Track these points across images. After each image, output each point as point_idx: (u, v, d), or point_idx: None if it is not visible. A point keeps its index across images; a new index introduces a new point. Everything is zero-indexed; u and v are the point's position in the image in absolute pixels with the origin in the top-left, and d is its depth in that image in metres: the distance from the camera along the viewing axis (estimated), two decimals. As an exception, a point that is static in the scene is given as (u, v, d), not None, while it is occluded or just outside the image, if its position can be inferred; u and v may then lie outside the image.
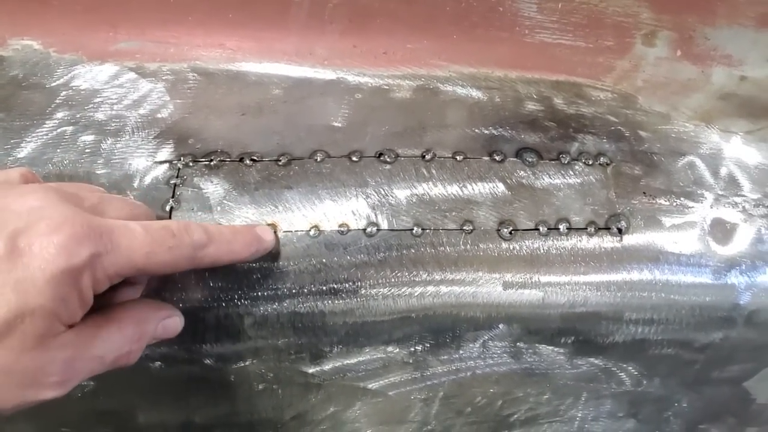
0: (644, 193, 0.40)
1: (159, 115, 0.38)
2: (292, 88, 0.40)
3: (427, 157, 0.38)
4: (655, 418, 0.48)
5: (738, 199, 0.41)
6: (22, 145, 0.37)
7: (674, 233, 0.39)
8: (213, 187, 0.35)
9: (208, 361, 0.36)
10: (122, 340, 0.27)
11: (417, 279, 0.36)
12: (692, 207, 0.40)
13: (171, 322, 0.31)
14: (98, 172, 0.36)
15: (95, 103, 0.38)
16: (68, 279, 0.23)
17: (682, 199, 0.40)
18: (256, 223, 0.34)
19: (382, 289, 0.35)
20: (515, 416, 0.45)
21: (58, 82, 0.39)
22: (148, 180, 0.36)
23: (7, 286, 0.22)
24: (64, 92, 0.39)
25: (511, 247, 0.37)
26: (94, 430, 0.38)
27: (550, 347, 0.40)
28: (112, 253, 0.25)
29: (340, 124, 0.39)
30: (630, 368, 0.43)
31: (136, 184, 0.36)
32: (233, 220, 0.35)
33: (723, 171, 0.42)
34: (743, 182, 0.42)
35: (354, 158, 0.37)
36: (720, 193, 0.41)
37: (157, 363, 0.36)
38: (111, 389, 0.37)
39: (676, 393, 0.47)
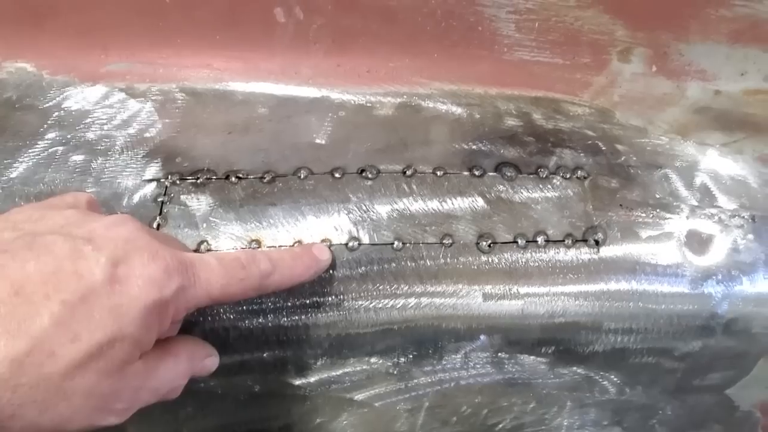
0: (621, 205, 0.41)
1: (147, 135, 0.40)
2: (278, 106, 0.42)
3: (408, 172, 0.39)
4: (640, 425, 0.49)
5: (713, 210, 0.42)
6: (15, 165, 0.38)
7: (651, 244, 0.40)
8: (199, 204, 0.36)
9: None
10: (176, 374, 0.28)
11: (398, 292, 0.37)
12: (668, 218, 0.41)
13: (210, 362, 0.31)
14: (88, 190, 0.37)
15: (86, 123, 0.40)
16: (157, 310, 0.25)
17: (658, 210, 0.41)
18: (311, 243, 0.35)
19: (364, 302, 0.36)
20: (501, 425, 0.45)
21: (50, 104, 0.41)
22: (136, 198, 0.37)
23: (106, 311, 0.23)
24: (56, 113, 0.40)
25: (490, 259, 0.38)
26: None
27: (531, 357, 0.41)
28: (195, 286, 0.26)
29: (323, 142, 0.40)
30: (612, 377, 0.44)
31: (124, 203, 0.37)
32: (218, 236, 0.36)
33: (698, 183, 0.43)
34: (718, 194, 0.43)
35: (337, 175, 0.38)
36: (695, 204, 0.42)
37: (146, 376, 0.37)
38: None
39: (660, 401, 0.47)
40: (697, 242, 0.41)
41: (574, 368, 0.42)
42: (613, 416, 0.47)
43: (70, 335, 0.22)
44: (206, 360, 0.31)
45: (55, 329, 0.22)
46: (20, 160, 0.38)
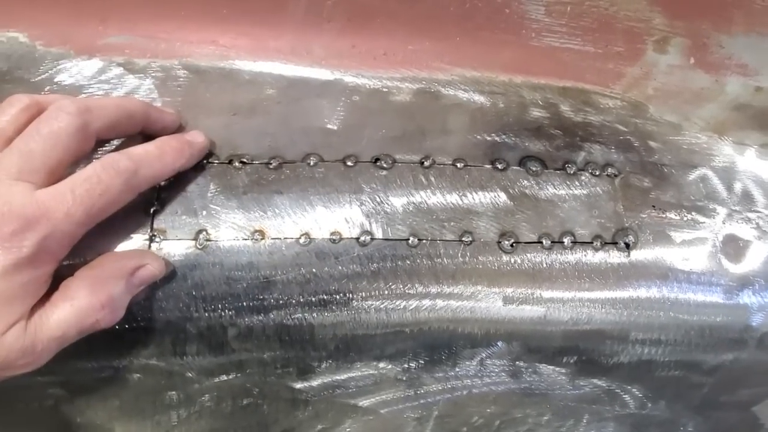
0: (653, 206, 0.38)
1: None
2: (287, 88, 0.39)
3: (426, 163, 0.36)
4: (659, 441, 0.46)
5: (752, 215, 0.39)
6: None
7: (684, 249, 0.37)
8: (199, 190, 0.34)
9: (189, 374, 0.34)
10: (78, 316, 0.27)
11: (412, 292, 0.34)
12: (703, 222, 0.38)
13: (144, 273, 0.30)
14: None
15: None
16: (21, 270, 0.25)
17: (693, 213, 0.38)
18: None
19: (374, 302, 0.34)
20: (513, 437, 0.43)
21: (42, 77, 0.38)
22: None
23: None
24: (48, 87, 0.37)
25: (513, 260, 0.35)
26: (68, 444, 0.36)
27: (551, 367, 0.38)
28: (56, 229, 0.26)
29: (335, 127, 0.37)
30: (634, 390, 0.41)
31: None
32: (219, 225, 0.33)
33: (736, 185, 0.40)
34: (757, 197, 0.40)
35: (349, 163, 0.35)
36: (733, 208, 0.39)
37: (136, 375, 0.34)
38: (88, 400, 0.35)
39: (682, 417, 0.44)
40: (734, 249, 0.39)
41: (596, 380, 0.39)
42: (631, 430, 0.45)
43: None
44: (139, 273, 0.30)
45: None
46: (7, 136, 0.35)
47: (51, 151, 0.28)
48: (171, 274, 0.32)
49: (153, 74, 0.39)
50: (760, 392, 0.44)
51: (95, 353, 0.33)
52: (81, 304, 0.28)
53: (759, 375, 0.42)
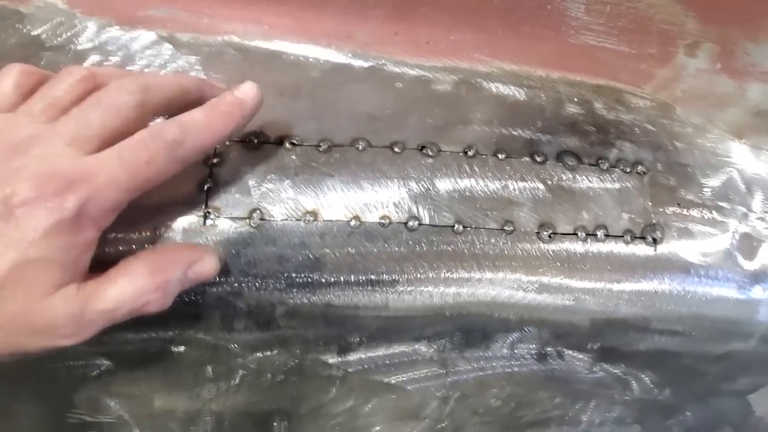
0: (678, 204, 0.40)
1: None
2: (331, 71, 0.39)
3: (470, 153, 0.37)
4: (659, 426, 0.49)
5: (766, 216, 0.42)
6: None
7: (705, 246, 0.40)
8: (252, 169, 0.34)
9: (234, 349, 0.35)
10: (134, 294, 0.27)
11: (455, 277, 0.35)
12: (722, 221, 0.41)
13: (201, 267, 0.30)
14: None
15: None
16: (63, 230, 0.25)
17: (713, 212, 0.40)
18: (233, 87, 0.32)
19: (418, 285, 0.35)
20: (526, 418, 0.45)
21: (86, 46, 0.37)
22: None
23: (5, 245, 0.24)
24: (92, 56, 0.37)
25: (550, 250, 0.36)
26: (107, 413, 0.37)
27: (575, 352, 0.40)
28: (98, 192, 0.25)
29: (379, 113, 0.38)
30: (645, 377, 0.43)
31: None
32: (272, 204, 0.33)
33: (753, 187, 0.42)
34: (771, 200, 0.42)
35: (396, 149, 0.36)
36: (750, 208, 0.41)
37: (182, 347, 0.35)
38: (131, 371, 0.35)
39: (684, 403, 0.47)
40: (748, 247, 0.41)
41: (613, 366, 0.42)
42: (636, 415, 0.47)
43: None
44: (195, 266, 0.30)
45: None
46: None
47: (108, 123, 0.27)
48: (225, 251, 0.32)
49: (197, 50, 0.39)
50: (756, 382, 0.47)
51: (145, 325, 0.33)
52: (138, 283, 0.28)
53: (758, 366, 0.45)
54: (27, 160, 0.25)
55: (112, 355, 0.34)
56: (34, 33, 0.38)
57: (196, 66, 0.38)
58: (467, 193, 0.36)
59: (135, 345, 0.34)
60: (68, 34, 0.38)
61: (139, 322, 0.33)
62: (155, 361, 0.35)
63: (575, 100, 0.41)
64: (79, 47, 0.38)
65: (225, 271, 0.33)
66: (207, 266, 0.30)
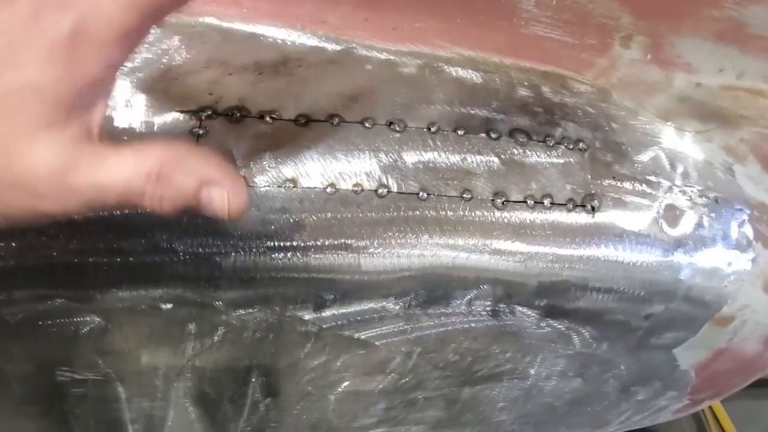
0: (614, 177, 0.45)
1: (175, 65, 0.39)
2: (306, 53, 0.42)
3: (433, 129, 0.41)
4: (597, 378, 0.55)
5: (687, 189, 0.48)
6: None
7: (635, 214, 0.45)
8: (235, 141, 0.37)
9: (218, 306, 0.38)
10: (135, 173, 0.23)
11: (420, 240, 0.39)
12: (650, 193, 0.46)
13: (216, 195, 0.25)
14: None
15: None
16: (57, 55, 0.21)
17: (643, 185, 0.46)
18: None
19: (388, 247, 0.39)
20: (481, 372, 0.50)
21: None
22: (169, 129, 0.37)
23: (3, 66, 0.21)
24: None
25: (503, 216, 0.41)
26: (95, 371, 0.39)
27: (525, 309, 0.45)
28: (96, 8, 0.21)
29: (351, 92, 0.41)
30: (586, 332, 0.49)
31: (156, 131, 0.37)
32: (255, 173, 0.37)
33: (676, 164, 0.48)
34: (692, 174, 0.48)
35: (367, 125, 0.40)
36: (673, 182, 0.47)
37: (169, 304, 0.37)
38: (121, 328, 0.38)
39: (619, 356, 0.53)
40: (672, 216, 0.47)
41: (558, 321, 0.47)
42: (578, 368, 0.53)
43: None
44: (211, 189, 0.25)
45: None
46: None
47: None
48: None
49: (180, 30, 0.41)
50: (679, 337, 0.54)
51: (135, 283, 0.36)
52: (144, 161, 0.23)
53: (682, 322, 0.52)
54: None
55: (103, 311, 0.37)
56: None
57: (179, 46, 0.40)
58: (431, 165, 0.40)
59: (126, 302, 0.37)
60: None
61: (130, 279, 0.36)
62: (144, 318, 0.38)
63: (525, 84, 0.46)
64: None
65: (212, 232, 0.36)
66: (219, 198, 0.25)
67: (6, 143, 0.21)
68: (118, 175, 0.23)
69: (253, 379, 0.44)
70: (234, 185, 0.25)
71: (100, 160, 0.23)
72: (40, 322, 0.37)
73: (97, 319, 0.37)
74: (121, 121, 0.37)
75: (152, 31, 0.40)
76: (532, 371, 0.51)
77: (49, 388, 0.41)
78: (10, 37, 0.21)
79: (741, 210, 0.51)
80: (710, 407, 1.30)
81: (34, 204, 0.22)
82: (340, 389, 0.46)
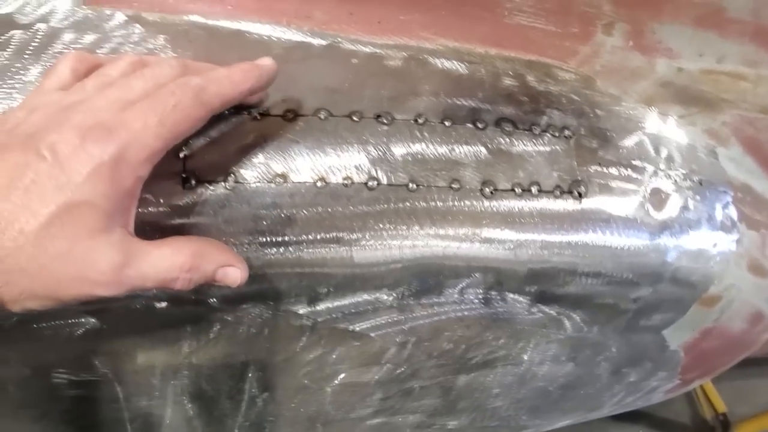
0: (599, 163, 0.46)
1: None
2: (292, 49, 0.42)
3: (420, 121, 0.41)
4: (589, 362, 0.56)
5: (672, 173, 0.49)
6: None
7: (621, 199, 0.46)
8: (224, 137, 0.37)
9: (213, 303, 0.39)
10: (171, 265, 0.30)
11: (411, 231, 0.40)
12: (636, 178, 0.47)
13: (231, 271, 0.33)
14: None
15: (101, 52, 0.39)
16: (103, 174, 0.27)
17: (628, 170, 0.47)
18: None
19: (379, 239, 0.39)
20: (475, 359, 0.50)
21: (58, 25, 0.39)
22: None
23: (53, 188, 0.26)
24: (65, 35, 0.39)
25: (492, 204, 0.42)
26: (91, 372, 0.40)
27: (516, 295, 0.45)
28: (135, 138, 0.28)
29: (338, 86, 0.42)
30: (576, 316, 0.50)
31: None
32: (246, 168, 0.37)
33: (661, 148, 0.49)
34: (676, 158, 0.49)
35: (355, 118, 0.40)
36: (658, 166, 0.48)
37: (164, 303, 0.38)
38: (117, 328, 0.38)
39: (609, 339, 0.54)
40: (657, 199, 0.48)
41: (548, 307, 0.48)
42: (570, 353, 0.54)
43: (30, 213, 0.26)
44: (226, 268, 0.32)
45: (17, 209, 0.26)
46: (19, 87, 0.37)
47: (149, 90, 0.30)
48: (204, 211, 0.36)
49: (165, 29, 0.41)
50: (668, 318, 0.55)
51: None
52: (180, 258, 0.30)
53: (669, 303, 0.53)
54: (73, 114, 0.28)
55: (98, 312, 0.37)
56: (3, 12, 0.39)
57: (165, 46, 0.41)
58: (419, 156, 0.40)
59: (121, 302, 0.37)
60: (38, 12, 0.40)
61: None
62: (139, 318, 0.38)
63: (510, 73, 0.46)
64: (52, 25, 0.39)
65: (204, 229, 0.36)
66: (233, 274, 0.33)
67: (71, 247, 0.27)
68: (159, 267, 0.30)
69: (250, 375, 0.44)
70: (241, 263, 0.33)
71: (146, 255, 0.29)
72: (34, 325, 0.37)
73: (92, 320, 0.37)
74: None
75: (137, 30, 0.41)
76: (525, 357, 0.52)
77: (46, 391, 0.41)
78: (60, 159, 0.26)
79: (725, 192, 0.52)
80: (701, 387, 1.32)
81: (92, 291, 0.28)
82: (336, 381, 0.47)
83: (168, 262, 0.30)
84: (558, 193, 0.43)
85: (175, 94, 0.30)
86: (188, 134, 0.31)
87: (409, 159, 0.40)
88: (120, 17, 0.40)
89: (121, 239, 0.28)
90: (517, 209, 0.42)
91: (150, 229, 0.34)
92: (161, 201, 0.35)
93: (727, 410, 1.29)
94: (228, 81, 0.32)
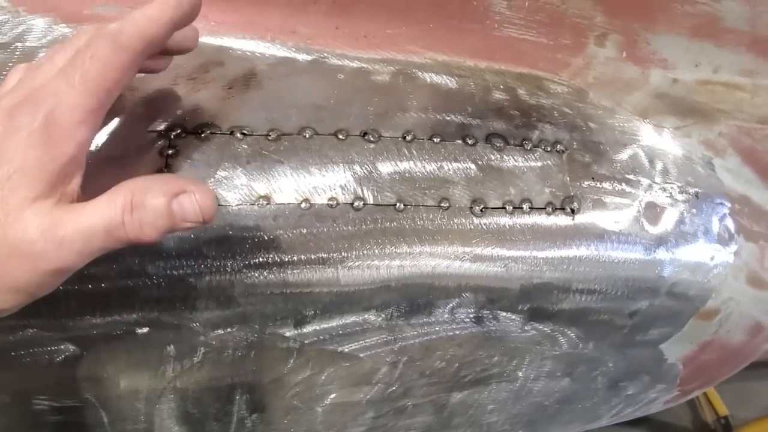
0: (593, 178, 0.45)
1: (143, 86, 0.38)
2: (277, 65, 0.42)
3: (408, 138, 0.41)
4: (585, 377, 0.55)
5: (667, 186, 0.48)
6: None
7: (616, 214, 0.45)
8: (205, 158, 0.36)
9: (196, 328, 0.38)
10: (109, 210, 0.27)
11: (398, 251, 0.39)
12: (630, 192, 0.46)
13: (185, 200, 0.28)
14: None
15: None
16: (34, 141, 0.26)
17: (622, 184, 0.46)
18: None
19: (366, 260, 0.38)
20: (468, 377, 0.49)
21: (34, 44, 0.38)
22: (138, 149, 0.36)
23: None
24: (41, 54, 0.38)
25: (482, 223, 0.41)
26: (74, 398, 0.39)
27: (508, 314, 0.45)
28: (60, 101, 0.27)
29: (324, 103, 0.41)
30: (571, 333, 0.49)
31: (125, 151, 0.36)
32: (227, 191, 0.36)
33: (656, 161, 0.48)
34: (672, 171, 0.48)
35: (341, 136, 0.39)
36: (653, 179, 0.47)
37: (145, 328, 0.37)
38: (97, 354, 0.37)
39: (606, 355, 0.53)
40: (653, 213, 0.47)
41: (542, 324, 0.47)
42: (565, 368, 0.53)
43: None
44: (181, 198, 0.28)
45: None
46: None
47: None
48: (185, 235, 0.35)
49: (146, 46, 0.40)
50: (665, 332, 0.54)
51: (109, 309, 0.35)
52: (116, 198, 0.27)
53: (666, 318, 0.52)
54: (2, 101, 0.27)
55: (77, 339, 0.36)
56: (-22, 32, 0.38)
57: (145, 61, 0.40)
58: (407, 175, 0.40)
59: (100, 328, 0.36)
60: (15, 32, 0.39)
61: (104, 305, 0.35)
62: (120, 343, 0.37)
63: (501, 87, 0.45)
64: (28, 45, 0.38)
65: (185, 253, 0.35)
66: (190, 204, 0.28)
67: (1, 225, 0.25)
68: (96, 214, 0.27)
69: (237, 397, 0.43)
70: (199, 189, 0.29)
71: (80, 210, 0.27)
72: (12, 353, 0.36)
73: (72, 347, 0.36)
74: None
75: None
76: (520, 373, 0.51)
77: (29, 417, 0.40)
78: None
79: (722, 204, 0.51)
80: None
81: (36, 265, 0.26)
82: (326, 402, 0.46)
83: (104, 208, 0.27)
84: (550, 209, 0.42)
85: (90, 45, 0.28)
86: (122, 84, 0.28)
87: (397, 178, 0.39)
88: (99, 35, 0.39)
89: (53, 204, 0.26)
90: (508, 227, 0.41)
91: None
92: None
93: (729, 413, 1.28)
94: (144, 17, 0.29)
